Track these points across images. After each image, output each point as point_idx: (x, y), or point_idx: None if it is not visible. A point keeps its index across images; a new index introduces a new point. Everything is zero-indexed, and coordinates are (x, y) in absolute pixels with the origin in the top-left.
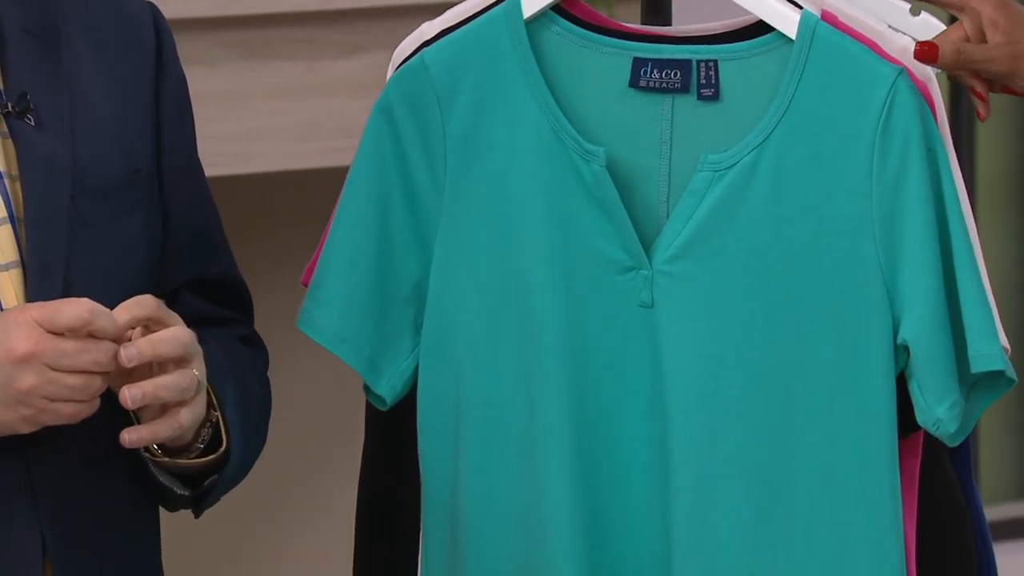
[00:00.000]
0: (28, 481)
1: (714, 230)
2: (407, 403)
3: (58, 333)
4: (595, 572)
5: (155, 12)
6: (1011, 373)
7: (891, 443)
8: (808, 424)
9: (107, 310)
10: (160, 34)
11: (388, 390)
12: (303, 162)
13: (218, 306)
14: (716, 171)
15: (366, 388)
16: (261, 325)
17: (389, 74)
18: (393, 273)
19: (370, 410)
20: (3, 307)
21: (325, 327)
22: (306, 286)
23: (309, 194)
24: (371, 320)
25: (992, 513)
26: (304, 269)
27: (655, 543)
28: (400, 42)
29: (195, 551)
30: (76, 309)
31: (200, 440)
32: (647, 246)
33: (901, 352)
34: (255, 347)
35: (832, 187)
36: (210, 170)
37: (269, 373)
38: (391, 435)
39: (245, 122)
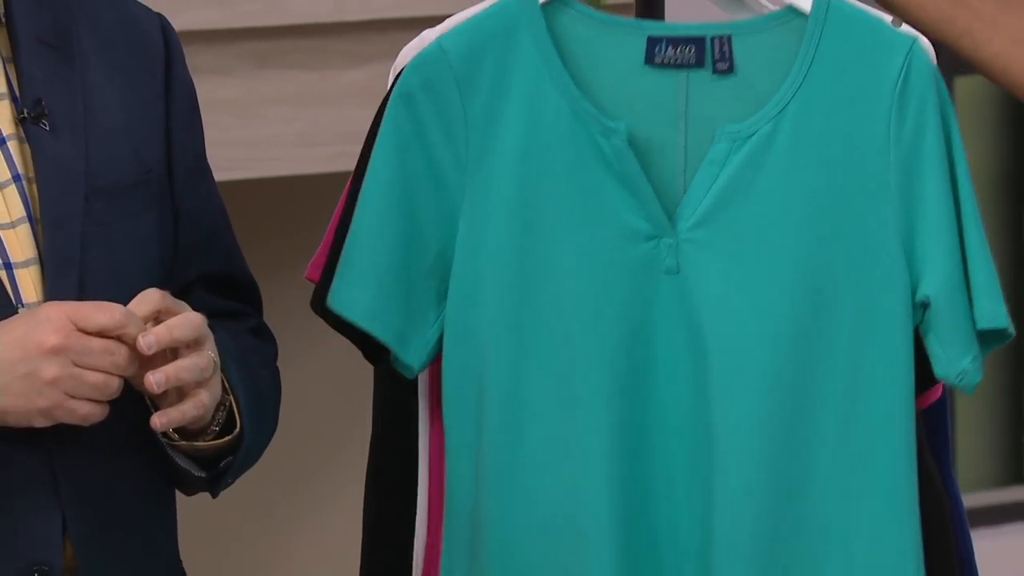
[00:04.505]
0: (49, 465)
1: (735, 197)
2: (414, 395)
3: (87, 332)
4: (632, 530)
5: (163, 22)
6: (1012, 329)
7: (910, 395)
8: (831, 377)
9: (138, 316)
10: (168, 42)
11: (416, 359)
12: (313, 167)
13: (228, 301)
14: (735, 141)
15: (393, 359)
16: (272, 322)
17: (390, 80)
18: (417, 249)
19: (377, 402)
20: (24, 302)
21: (356, 306)
22: (310, 280)
23: (318, 197)
24: (398, 296)
25: (970, 500)
26: (308, 265)
27: (695, 496)
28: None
29: (209, 539)
30: (112, 313)
31: (215, 423)
32: (668, 216)
33: (917, 309)
34: (265, 338)
35: (850, 152)
36: (224, 174)
37: (280, 369)
38: (398, 427)
39: (258, 129)
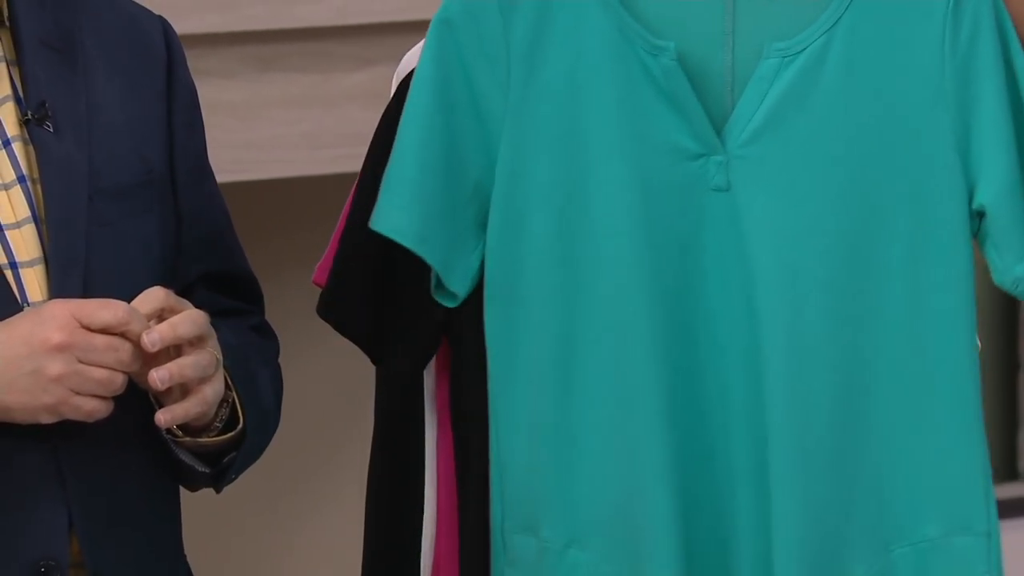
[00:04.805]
0: (55, 461)
1: (787, 112)
2: (418, 394)
3: (91, 330)
4: (686, 449)
5: (165, 25)
6: None
7: (970, 304)
8: (889, 290)
9: (141, 314)
10: (170, 45)
11: (460, 286)
12: (315, 168)
13: (230, 299)
14: (785, 56)
15: (436, 288)
16: (273, 322)
17: (393, 85)
18: (459, 175)
19: (379, 403)
20: (29, 300)
21: (406, 229)
22: (317, 285)
23: (321, 198)
24: (443, 221)
25: None
26: (315, 268)
27: (749, 412)
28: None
29: (212, 535)
30: (115, 310)
31: (218, 419)
32: (717, 134)
33: (973, 218)
34: (267, 336)
35: (905, 64)
36: (228, 175)
37: (282, 367)
38: (402, 426)
39: (261, 131)
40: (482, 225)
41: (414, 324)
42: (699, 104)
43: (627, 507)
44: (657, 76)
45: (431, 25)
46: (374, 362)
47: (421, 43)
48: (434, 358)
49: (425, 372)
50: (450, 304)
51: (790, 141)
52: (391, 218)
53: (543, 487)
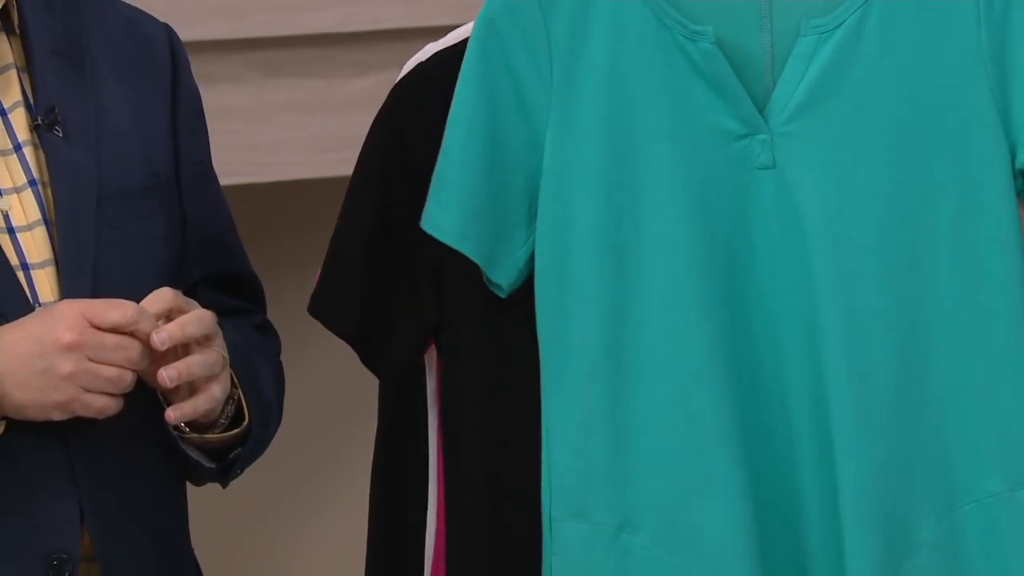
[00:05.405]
0: (67, 458)
1: (828, 88)
2: (416, 393)
3: (100, 329)
4: (748, 425)
5: (170, 32)
6: None
7: (1019, 261)
8: (940, 254)
9: (150, 313)
10: (175, 52)
11: (505, 279)
12: (320, 171)
13: (234, 298)
14: (822, 33)
15: (486, 279)
16: (277, 322)
17: None
18: (506, 171)
19: (383, 404)
20: (40, 301)
21: (447, 226)
22: None
23: (325, 201)
24: (488, 217)
25: None
26: (319, 271)
27: (809, 382)
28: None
29: (216, 532)
30: (125, 310)
31: (224, 416)
32: (759, 113)
33: (1017, 177)
34: (269, 334)
35: (941, 30)
36: (235, 178)
37: (285, 367)
38: (405, 427)
39: (268, 135)
40: (533, 217)
41: (403, 322)
42: (740, 85)
43: (687, 485)
44: (697, 61)
45: (475, 24)
46: (363, 361)
47: (422, 52)
48: (436, 360)
49: (428, 373)
50: (499, 294)
51: (832, 115)
52: (434, 217)
53: (594, 470)
